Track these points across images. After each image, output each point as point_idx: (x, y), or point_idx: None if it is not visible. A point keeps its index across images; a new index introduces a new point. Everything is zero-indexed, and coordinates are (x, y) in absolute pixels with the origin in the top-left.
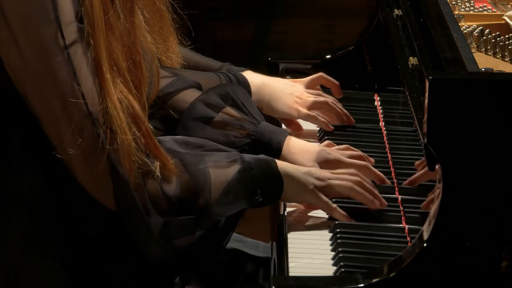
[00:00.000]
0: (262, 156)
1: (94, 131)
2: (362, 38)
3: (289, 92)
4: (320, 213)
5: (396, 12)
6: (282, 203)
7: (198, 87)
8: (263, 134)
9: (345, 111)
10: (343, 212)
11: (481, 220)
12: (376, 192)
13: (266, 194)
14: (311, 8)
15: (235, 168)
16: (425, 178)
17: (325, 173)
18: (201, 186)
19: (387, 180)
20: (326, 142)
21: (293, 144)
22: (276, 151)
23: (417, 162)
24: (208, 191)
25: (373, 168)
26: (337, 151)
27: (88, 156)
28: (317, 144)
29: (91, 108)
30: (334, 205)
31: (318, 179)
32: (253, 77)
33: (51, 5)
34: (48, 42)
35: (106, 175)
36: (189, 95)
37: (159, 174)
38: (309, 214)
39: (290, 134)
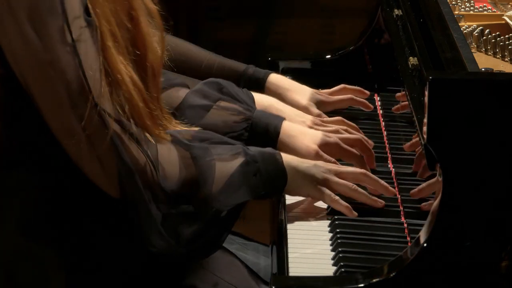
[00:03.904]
0: (268, 149)
1: (100, 122)
2: (362, 38)
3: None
4: (320, 213)
5: (396, 12)
6: (282, 203)
7: (186, 86)
8: (259, 119)
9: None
10: (346, 204)
11: (481, 220)
12: (382, 182)
13: (269, 187)
14: (311, 8)
15: (239, 161)
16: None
17: (330, 166)
18: (205, 179)
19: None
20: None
21: (292, 128)
22: (274, 135)
23: (406, 144)
24: (211, 184)
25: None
26: (337, 135)
27: (94, 146)
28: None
29: (97, 99)
30: (337, 198)
31: (323, 172)
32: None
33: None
34: (55, 34)
35: (111, 163)
36: (180, 91)
37: (157, 167)
38: (309, 214)
39: (285, 119)
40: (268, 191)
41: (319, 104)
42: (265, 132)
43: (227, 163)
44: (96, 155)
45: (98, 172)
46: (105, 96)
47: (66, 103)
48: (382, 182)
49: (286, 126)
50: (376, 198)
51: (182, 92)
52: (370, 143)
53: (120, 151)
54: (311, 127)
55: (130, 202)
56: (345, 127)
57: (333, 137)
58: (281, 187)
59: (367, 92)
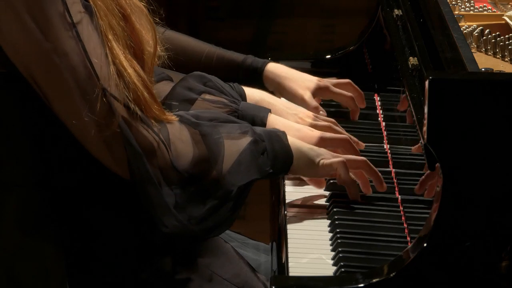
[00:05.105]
0: (272, 129)
1: (108, 106)
2: (362, 38)
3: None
4: (320, 213)
5: (396, 12)
6: (283, 203)
7: (171, 79)
8: (246, 111)
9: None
10: (352, 179)
11: (481, 220)
12: (379, 175)
13: (276, 165)
14: (311, 8)
15: (247, 139)
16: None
17: (331, 152)
18: (215, 157)
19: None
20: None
21: (276, 121)
22: (261, 126)
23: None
24: (221, 162)
25: (354, 144)
26: (321, 130)
27: (102, 130)
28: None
29: (104, 82)
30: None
31: (325, 154)
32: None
33: None
34: (55, 21)
35: (120, 146)
36: (166, 86)
37: (169, 146)
38: (309, 214)
39: (270, 111)
40: (275, 170)
41: (319, 90)
42: (252, 124)
43: (236, 141)
44: (104, 138)
45: (107, 155)
46: (112, 79)
47: (74, 89)
48: (379, 174)
49: (271, 119)
50: (379, 181)
51: (168, 86)
52: (361, 144)
53: (127, 135)
54: (302, 119)
55: (139, 184)
56: (341, 136)
57: (316, 130)
58: (288, 165)
59: (364, 103)
